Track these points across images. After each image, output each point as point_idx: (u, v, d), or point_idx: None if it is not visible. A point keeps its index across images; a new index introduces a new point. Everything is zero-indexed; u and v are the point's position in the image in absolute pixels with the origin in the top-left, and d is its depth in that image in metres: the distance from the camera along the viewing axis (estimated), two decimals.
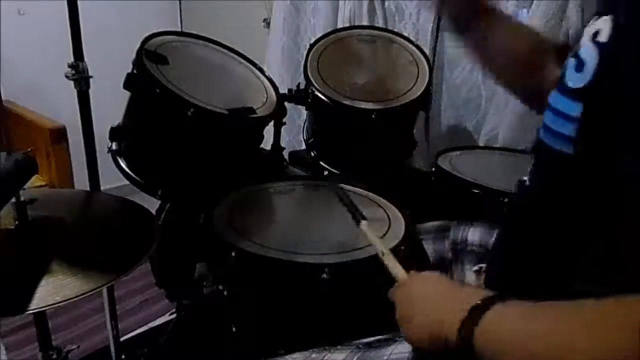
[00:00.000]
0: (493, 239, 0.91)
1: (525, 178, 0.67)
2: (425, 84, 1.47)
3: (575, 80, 0.53)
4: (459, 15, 0.92)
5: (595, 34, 0.52)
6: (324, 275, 0.92)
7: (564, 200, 0.57)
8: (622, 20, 0.49)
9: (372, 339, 0.78)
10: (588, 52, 0.52)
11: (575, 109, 0.52)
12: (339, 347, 0.77)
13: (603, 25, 0.52)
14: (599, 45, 0.51)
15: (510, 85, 0.95)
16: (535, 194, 0.64)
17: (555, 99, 0.57)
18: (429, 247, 1.08)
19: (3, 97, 2.10)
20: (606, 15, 0.53)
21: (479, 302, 0.53)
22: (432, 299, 0.62)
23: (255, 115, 1.23)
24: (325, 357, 0.76)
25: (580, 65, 0.53)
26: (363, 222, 0.89)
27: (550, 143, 0.57)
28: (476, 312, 0.53)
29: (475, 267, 0.97)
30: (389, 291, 0.71)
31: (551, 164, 0.59)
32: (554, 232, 0.59)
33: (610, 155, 0.49)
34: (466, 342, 0.52)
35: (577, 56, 0.54)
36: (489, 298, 0.54)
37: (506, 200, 1.18)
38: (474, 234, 1.04)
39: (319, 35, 1.62)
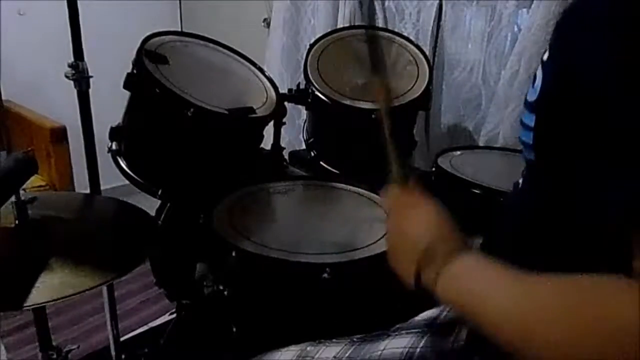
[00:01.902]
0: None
1: (521, 181, 0.70)
2: (425, 84, 1.46)
3: (530, 94, 0.59)
4: None
5: (544, 52, 0.58)
6: (325, 275, 0.92)
7: (544, 202, 0.62)
8: (556, 41, 0.56)
9: (366, 334, 0.78)
10: (538, 69, 0.58)
11: (531, 120, 0.58)
12: (334, 340, 0.78)
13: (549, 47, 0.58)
14: (542, 63, 0.58)
15: None
16: (527, 196, 0.68)
17: (523, 114, 0.62)
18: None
19: (3, 97, 2.11)
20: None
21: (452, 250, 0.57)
22: (421, 239, 0.61)
23: (255, 115, 1.23)
24: (320, 350, 0.77)
25: (533, 82, 0.59)
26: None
27: (524, 152, 0.63)
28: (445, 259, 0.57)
29: None
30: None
31: (527, 169, 0.66)
32: (543, 233, 0.62)
33: (562, 160, 0.55)
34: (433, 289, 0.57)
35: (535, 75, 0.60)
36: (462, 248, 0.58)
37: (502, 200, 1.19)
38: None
39: (319, 35, 1.62)
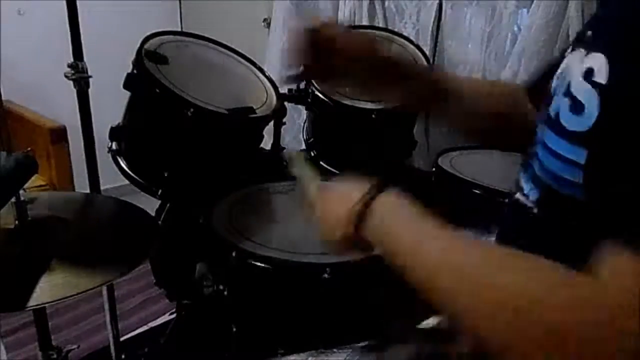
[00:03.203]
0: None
1: (527, 202, 0.62)
2: None
3: (573, 123, 0.49)
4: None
5: (589, 72, 0.49)
6: (325, 275, 0.92)
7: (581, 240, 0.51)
8: (622, 63, 0.46)
9: (369, 342, 0.78)
10: (585, 93, 0.48)
11: (577, 153, 0.49)
12: (335, 350, 0.77)
13: (595, 64, 0.48)
14: (597, 86, 0.47)
15: (503, 145, 0.89)
16: (547, 228, 0.60)
17: (551, 139, 0.53)
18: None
19: (3, 97, 2.10)
20: (596, 51, 0.49)
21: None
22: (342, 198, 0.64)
23: (255, 115, 1.23)
24: None
25: (577, 107, 0.49)
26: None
27: (551, 185, 0.54)
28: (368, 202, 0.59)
29: None
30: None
31: (557, 205, 0.55)
32: (548, 244, 0.57)
33: (615, 199, 0.46)
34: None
35: (570, 94, 0.51)
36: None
37: (506, 201, 1.18)
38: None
39: None
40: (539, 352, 0.41)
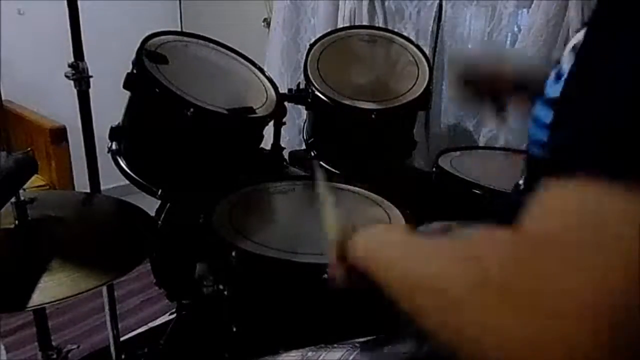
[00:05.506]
0: None
1: (521, 182, 0.67)
2: (425, 84, 1.46)
3: (553, 90, 0.54)
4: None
5: (576, 45, 0.53)
6: (325, 275, 0.92)
7: None
8: (592, 30, 0.47)
9: (368, 338, 0.78)
10: (567, 63, 0.53)
11: (549, 116, 0.52)
12: (335, 345, 0.78)
13: (581, 36, 0.51)
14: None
15: None
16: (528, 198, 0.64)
17: (537, 108, 0.57)
18: None
19: (3, 97, 2.10)
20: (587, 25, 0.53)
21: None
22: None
23: (255, 115, 1.23)
24: (322, 356, 0.76)
25: (558, 76, 0.54)
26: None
27: (533, 152, 0.58)
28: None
29: None
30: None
31: (534, 172, 0.60)
32: None
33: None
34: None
35: (557, 66, 0.55)
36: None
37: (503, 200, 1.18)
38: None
39: (319, 35, 1.62)
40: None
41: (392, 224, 0.62)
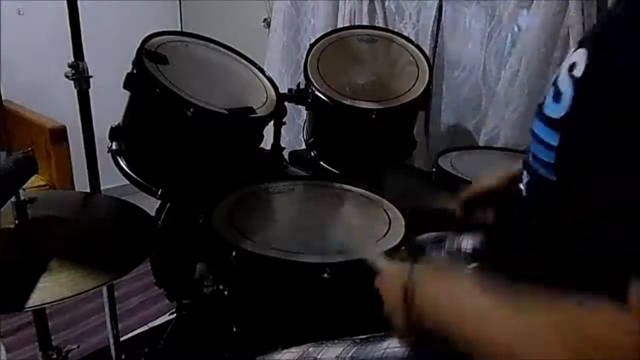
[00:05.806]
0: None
1: (522, 187, 0.67)
2: (425, 84, 1.46)
3: (552, 110, 0.55)
4: None
5: (572, 66, 0.54)
6: (325, 275, 0.92)
7: (553, 217, 0.59)
8: (593, 57, 0.51)
9: (368, 335, 0.78)
10: (566, 84, 0.54)
11: (552, 136, 0.55)
12: (335, 341, 0.78)
13: (578, 59, 0.53)
14: (573, 79, 0.53)
15: None
16: (529, 206, 0.66)
17: (537, 126, 0.59)
18: (427, 258, 1.08)
19: (3, 97, 2.11)
20: (582, 47, 0.54)
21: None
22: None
23: (255, 115, 1.23)
24: (322, 351, 0.77)
25: (557, 96, 0.55)
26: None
27: (535, 168, 0.60)
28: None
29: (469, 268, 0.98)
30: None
31: (538, 186, 0.62)
32: (543, 243, 0.61)
33: (587, 183, 0.51)
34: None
35: (555, 85, 0.56)
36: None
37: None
38: (467, 243, 1.05)
39: (319, 35, 1.62)
40: None
41: (456, 274, 0.61)
